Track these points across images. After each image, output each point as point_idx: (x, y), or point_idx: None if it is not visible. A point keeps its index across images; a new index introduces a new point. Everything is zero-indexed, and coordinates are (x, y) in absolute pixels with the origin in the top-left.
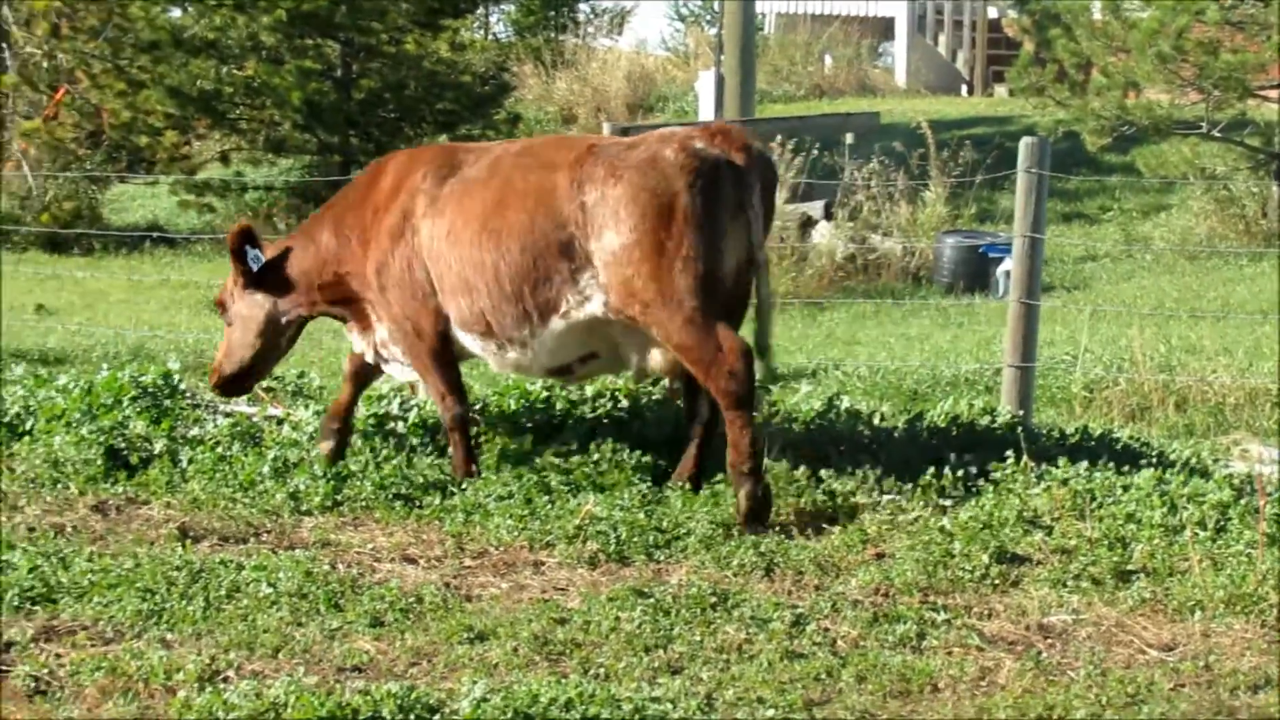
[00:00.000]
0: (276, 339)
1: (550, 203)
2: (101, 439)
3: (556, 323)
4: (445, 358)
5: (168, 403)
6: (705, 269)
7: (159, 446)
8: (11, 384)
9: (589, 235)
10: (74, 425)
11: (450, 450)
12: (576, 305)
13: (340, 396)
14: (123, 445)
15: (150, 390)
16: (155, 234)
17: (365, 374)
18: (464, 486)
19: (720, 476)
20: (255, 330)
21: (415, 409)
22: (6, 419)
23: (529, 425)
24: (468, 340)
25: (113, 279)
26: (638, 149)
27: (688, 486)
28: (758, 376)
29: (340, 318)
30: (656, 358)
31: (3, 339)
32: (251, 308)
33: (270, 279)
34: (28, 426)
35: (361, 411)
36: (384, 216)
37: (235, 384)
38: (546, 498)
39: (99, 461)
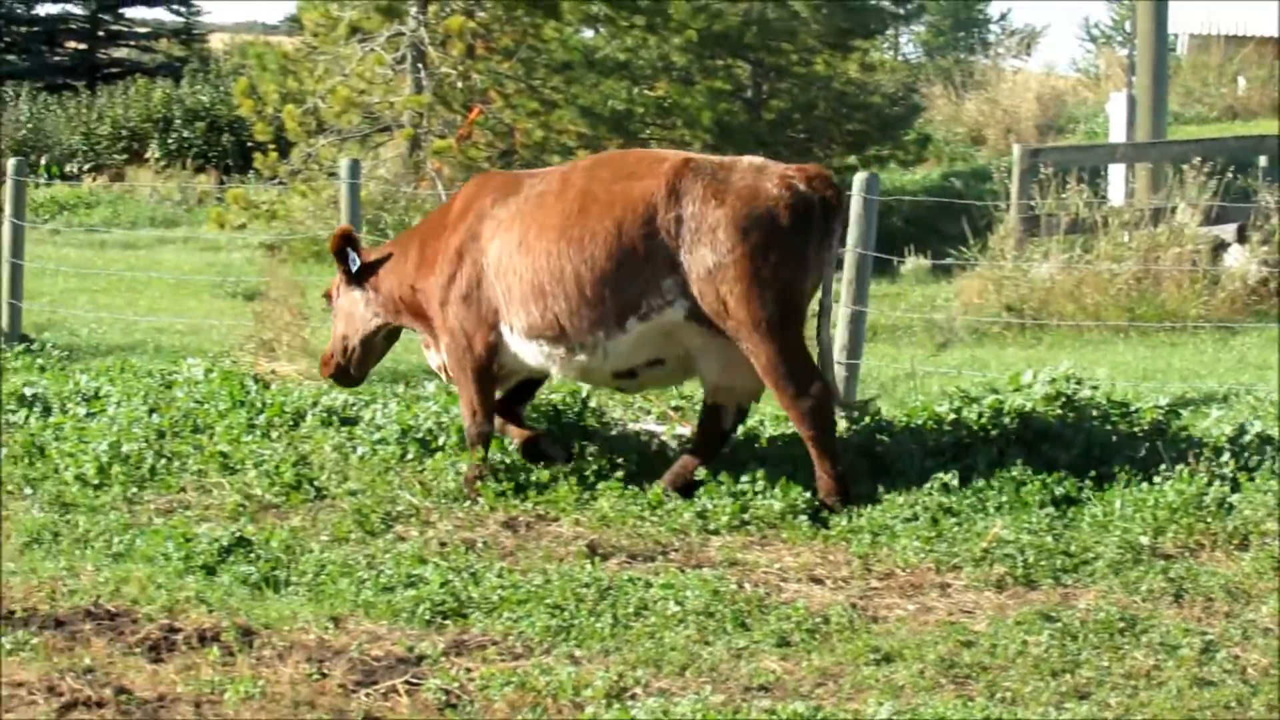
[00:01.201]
0: (371, 337)
1: (640, 210)
2: (512, 455)
3: (634, 324)
4: (488, 376)
5: (576, 420)
6: (795, 300)
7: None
8: (424, 400)
9: (680, 246)
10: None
11: (467, 466)
12: (657, 309)
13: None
14: (532, 462)
15: (560, 407)
16: None
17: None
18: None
19: (1120, 507)
20: (352, 325)
21: None
22: (420, 434)
23: (933, 445)
24: (531, 348)
25: None
26: (735, 173)
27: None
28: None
29: (424, 335)
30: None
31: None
32: (351, 304)
33: (366, 281)
34: (440, 443)
35: (768, 431)
36: (451, 237)
37: (342, 373)
38: (953, 520)
39: (509, 478)
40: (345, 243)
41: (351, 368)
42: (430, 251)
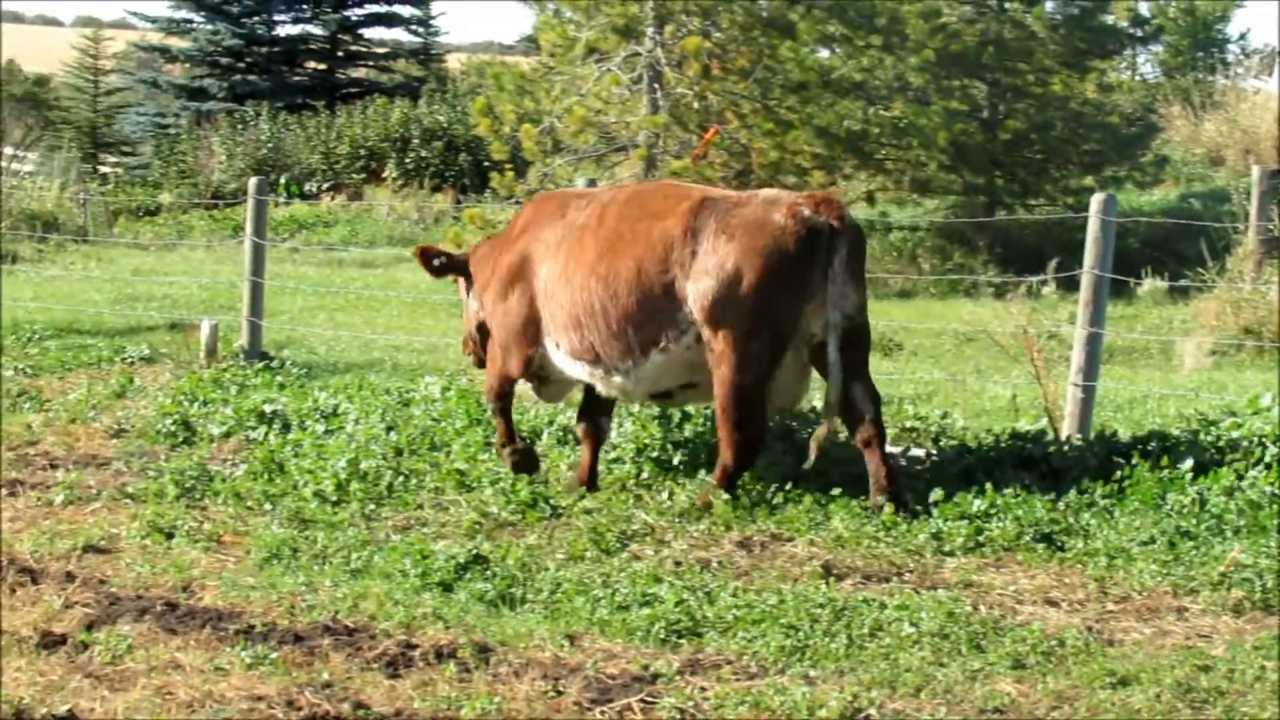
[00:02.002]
0: (485, 338)
1: (659, 250)
2: (748, 478)
3: (656, 356)
4: (510, 390)
5: (810, 438)
6: (786, 329)
7: (802, 484)
8: (659, 420)
9: (689, 278)
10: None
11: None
12: (675, 339)
13: (581, 459)
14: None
15: (792, 426)
16: None
17: (598, 434)
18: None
19: None
20: (468, 318)
21: (1059, 444)
22: (654, 454)
23: (1169, 468)
24: (576, 367)
25: None
26: (747, 208)
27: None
28: (827, 435)
29: None
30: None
31: None
32: (464, 301)
33: (470, 281)
34: (675, 462)
35: (1002, 455)
36: (506, 257)
37: (477, 358)
38: (1190, 543)
39: (743, 498)
40: (429, 256)
41: (480, 355)
42: (495, 267)
